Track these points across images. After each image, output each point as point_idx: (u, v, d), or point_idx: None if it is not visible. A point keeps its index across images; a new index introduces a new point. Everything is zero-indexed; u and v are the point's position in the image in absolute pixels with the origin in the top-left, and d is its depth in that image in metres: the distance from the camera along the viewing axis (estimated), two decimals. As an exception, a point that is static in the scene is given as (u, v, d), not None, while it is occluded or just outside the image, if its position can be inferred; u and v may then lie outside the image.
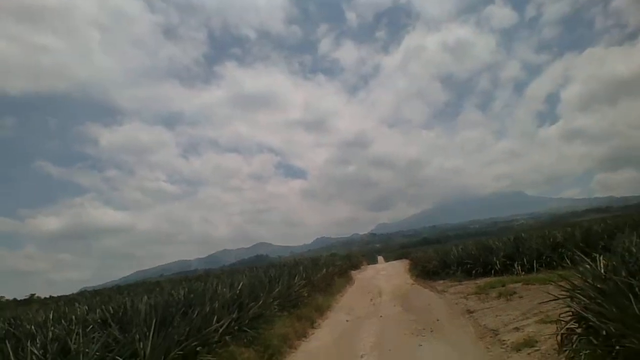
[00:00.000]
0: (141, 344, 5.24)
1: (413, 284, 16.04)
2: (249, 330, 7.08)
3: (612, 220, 17.43)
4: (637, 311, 3.42)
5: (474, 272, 13.80)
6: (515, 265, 12.75)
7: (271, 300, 9.11)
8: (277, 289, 10.10)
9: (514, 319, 7.10)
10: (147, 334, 5.44)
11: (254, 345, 6.73)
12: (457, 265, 14.98)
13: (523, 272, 12.20)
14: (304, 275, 13.53)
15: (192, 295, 8.17)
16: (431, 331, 7.45)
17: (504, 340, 6.05)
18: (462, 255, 15.62)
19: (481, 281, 12.06)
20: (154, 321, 5.75)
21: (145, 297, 8.75)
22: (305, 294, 11.48)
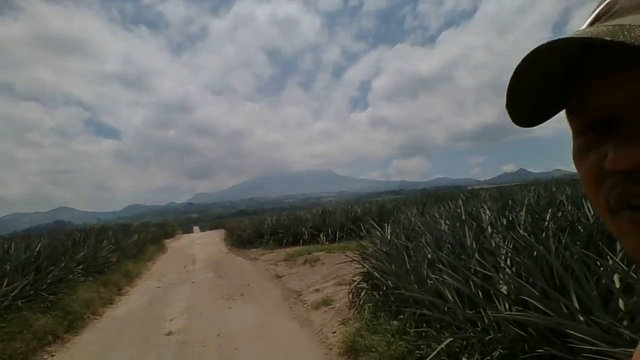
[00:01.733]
0: None
1: (227, 252, 16.33)
2: (47, 295, 6.39)
3: (401, 199, 20.30)
4: (408, 267, 4.21)
5: (285, 241, 14.72)
6: (321, 236, 14.14)
7: (75, 264, 8.32)
8: (82, 253, 9.25)
9: (315, 282, 7.87)
10: None
11: (52, 311, 6.12)
12: (270, 234, 15.72)
13: (327, 242, 13.59)
14: (113, 241, 12.65)
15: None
16: (241, 295, 7.80)
17: (305, 301, 6.68)
18: (275, 225, 16.46)
19: (291, 249, 12.92)
20: None
21: None
22: (114, 260, 10.76)
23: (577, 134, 0.41)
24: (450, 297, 3.38)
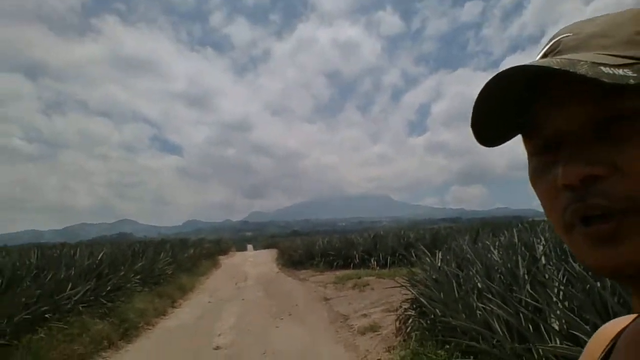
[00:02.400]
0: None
1: (278, 272, 16.48)
2: (105, 302, 6.76)
3: (457, 227, 19.75)
4: (456, 294, 4.11)
5: (335, 263, 14.69)
6: (372, 260, 13.96)
7: (133, 274, 8.77)
8: (140, 263, 9.74)
9: (363, 307, 7.79)
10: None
11: (109, 318, 6.45)
12: (320, 256, 15.75)
13: (378, 267, 13.39)
14: (170, 254, 13.19)
15: (45, 260, 7.55)
16: (289, 315, 7.85)
17: (352, 325, 6.63)
18: (326, 247, 16.46)
19: (340, 273, 12.88)
20: (-1, 281, 5.29)
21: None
22: (170, 272, 11.21)
23: (531, 155, 0.45)
24: (499, 329, 3.26)
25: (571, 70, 0.37)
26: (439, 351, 3.88)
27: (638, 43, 0.39)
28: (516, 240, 4.86)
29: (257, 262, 22.54)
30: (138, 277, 8.92)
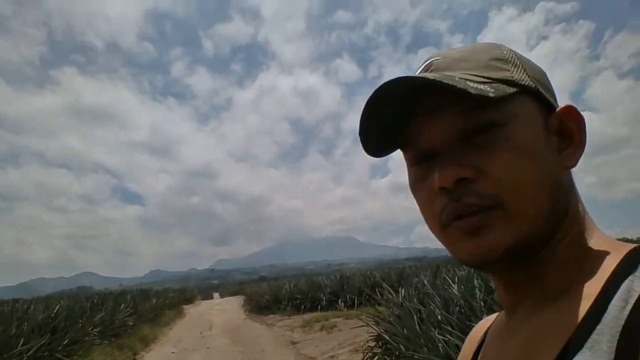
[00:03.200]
0: None
1: (245, 318, 16.16)
2: (61, 357, 6.45)
3: (421, 265, 19.96)
4: (418, 329, 4.19)
5: (302, 307, 14.51)
6: (339, 301, 13.89)
7: (91, 326, 8.42)
8: (99, 315, 9.38)
9: (331, 348, 7.75)
10: None
11: (64, 374, 6.18)
12: (287, 300, 15.57)
13: (346, 308, 13.32)
14: (131, 304, 12.73)
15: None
16: (255, 361, 7.72)
17: (319, 367, 6.59)
18: (293, 291, 16.30)
19: (308, 316, 12.77)
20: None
21: None
22: (131, 324, 10.79)
23: (410, 166, 0.52)
24: (459, 360, 3.35)
25: (444, 82, 0.43)
26: (404, 387, 3.92)
27: (492, 67, 0.48)
28: (473, 273, 5.02)
29: (223, 309, 21.99)
30: (97, 329, 8.56)
